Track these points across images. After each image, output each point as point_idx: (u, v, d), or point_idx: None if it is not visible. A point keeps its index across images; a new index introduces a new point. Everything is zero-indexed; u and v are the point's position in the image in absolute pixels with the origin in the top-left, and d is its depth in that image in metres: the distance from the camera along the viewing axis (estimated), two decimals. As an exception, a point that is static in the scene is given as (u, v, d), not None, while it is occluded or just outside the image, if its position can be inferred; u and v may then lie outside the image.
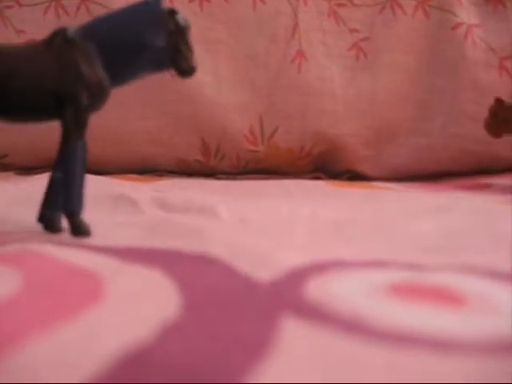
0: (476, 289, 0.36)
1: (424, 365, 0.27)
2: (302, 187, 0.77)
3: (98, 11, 0.93)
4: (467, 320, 0.31)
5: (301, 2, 0.96)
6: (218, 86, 0.94)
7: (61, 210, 0.49)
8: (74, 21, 0.94)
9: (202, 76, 0.94)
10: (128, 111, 0.94)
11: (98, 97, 0.50)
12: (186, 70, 0.52)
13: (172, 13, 0.52)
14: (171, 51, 0.51)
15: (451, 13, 0.96)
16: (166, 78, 0.93)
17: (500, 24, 0.97)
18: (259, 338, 0.29)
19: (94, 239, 0.46)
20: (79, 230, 0.48)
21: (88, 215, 0.48)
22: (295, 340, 0.29)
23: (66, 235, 0.48)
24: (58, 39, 0.51)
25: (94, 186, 0.76)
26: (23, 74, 0.48)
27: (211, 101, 0.94)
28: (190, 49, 0.52)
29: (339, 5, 0.97)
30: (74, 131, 0.49)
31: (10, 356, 0.27)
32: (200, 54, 0.94)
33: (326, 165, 0.98)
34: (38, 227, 0.49)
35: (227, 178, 0.93)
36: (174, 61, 0.52)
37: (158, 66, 0.52)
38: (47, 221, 0.50)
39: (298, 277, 0.37)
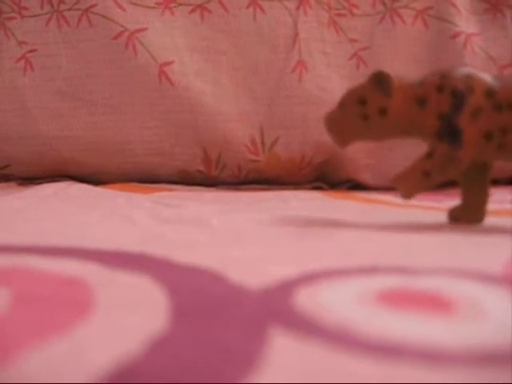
0: (466, 293, 0.36)
1: (412, 376, 0.27)
2: (300, 199, 0.78)
3: (100, 22, 0.94)
4: (457, 329, 0.31)
5: (301, 12, 0.96)
6: (219, 95, 0.95)
7: None
8: (76, 32, 0.94)
9: (203, 86, 0.94)
10: (129, 121, 0.94)
11: None
12: None
13: None
14: None
15: (450, 22, 0.96)
16: (167, 87, 0.94)
17: (499, 33, 0.97)
18: (248, 349, 0.29)
19: (87, 245, 0.46)
20: None
21: (80, 222, 0.49)
22: (284, 352, 0.29)
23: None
24: None
25: (89, 195, 0.76)
26: None
27: (212, 111, 0.94)
28: None
29: (339, 15, 0.98)
30: None
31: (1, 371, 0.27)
32: (201, 64, 0.95)
33: (327, 174, 0.98)
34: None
35: (228, 189, 0.94)
36: None
37: None
38: None
39: (287, 287, 0.37)
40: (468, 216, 0.57)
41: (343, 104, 0.55)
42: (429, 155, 0.53)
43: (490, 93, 0.52)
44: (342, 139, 0.56)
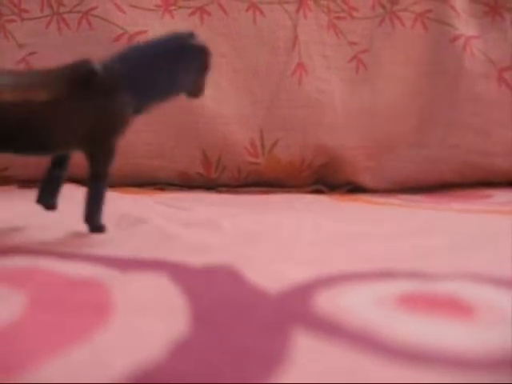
0: (484, 297, 0.36)
1: (433, 380, 0.27)
2: (304, 201, 0.78)
3: (100, 25, 0.94)
4: (477, 333, 0.31)
5: (301, 14, 0.96)
6: (219, 98, 0.95)
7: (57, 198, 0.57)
8: (76, 34, 0.94)
9: (203, 89, 0.94)
10: (129, 124, 0.94)
11: (122, 132, 0.51)
12: (196, 94, 0.55)
13: (203, 49, 0.52)
14: (194, 84, 0.54)
15: (450, 25, 0.96)
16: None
17: (498, 35, 0.97)
18: (271, 352, 0.29)
19: (99, 249, 0.46)
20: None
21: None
22: (306, 353, 0.29)
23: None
24: (90, 81, 0.50)
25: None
26: (55, 119, 0.49)
27: (212, 113, 0.94)
28: (205, 78, 0.54)
29: (339, 18, 0.98)
30: (103, 170, 0.52)
31: (23, 379, 0.27)
32: (201, 66, 0.95)
33: (327, 177, 0.98)
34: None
35: (228, 191, 0.94)
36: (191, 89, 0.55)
37: (176, 94, 0.55)
38: (47, 203, 0.57)
39: (306, 289, 0.37)
40: None
41: None
42: None
43: None
44: None
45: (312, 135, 0.95)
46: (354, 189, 0.97)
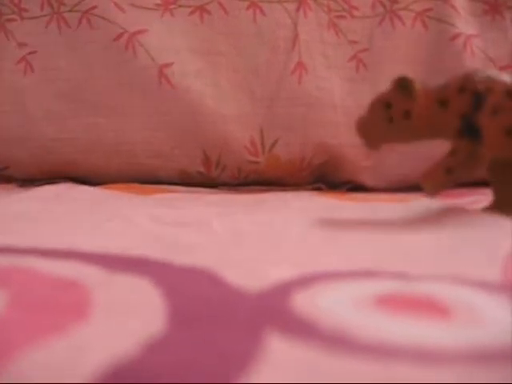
0: (463, 299, 0.36)
1: (408, 377, 0.27)
2: (301, 200, 0.78)
3: (99, 24, 0.94)
4: (453, 332, 0.32)
5: (301, 13, 0.97)
6: (219, 97, 0.95)
7: None
8: (76, 33, 0.95)
9: (203, 87, 0.94)
10: (128, 122, 0.94)
11: None
12: None
13: None
14: None
15: (449, 23, 0.96)
16: (167, 89, 0.94)
17: (498, 34, 0.97)
18: (245, 351, 0.29)
19: (85, 247, 0.46)
20: None
21: (80, 224, 0.49)
22: (280, 353, 0.29)
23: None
24: None
25: (90, 197, 0.77)
26: None
27: (212, 112, 0.94)
28: None
29: (339, 16, 0.98)
30: None
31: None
32: (200, 65, 0.95)
33: (327, 176, 0.99)
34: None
35: (228, 190, 0.94)
36: None
37: None
38: None
39: (285, 289, 0.37)
40: (500, 212, 0.58)
41: (371, 109, 0.58)
42: (452, 153, 0.55)
43: (510, 92, 0.53)
44: (371, 142, 0.59)
45: (312, 134, 0.95)
46: (355, 187, 0.97)
